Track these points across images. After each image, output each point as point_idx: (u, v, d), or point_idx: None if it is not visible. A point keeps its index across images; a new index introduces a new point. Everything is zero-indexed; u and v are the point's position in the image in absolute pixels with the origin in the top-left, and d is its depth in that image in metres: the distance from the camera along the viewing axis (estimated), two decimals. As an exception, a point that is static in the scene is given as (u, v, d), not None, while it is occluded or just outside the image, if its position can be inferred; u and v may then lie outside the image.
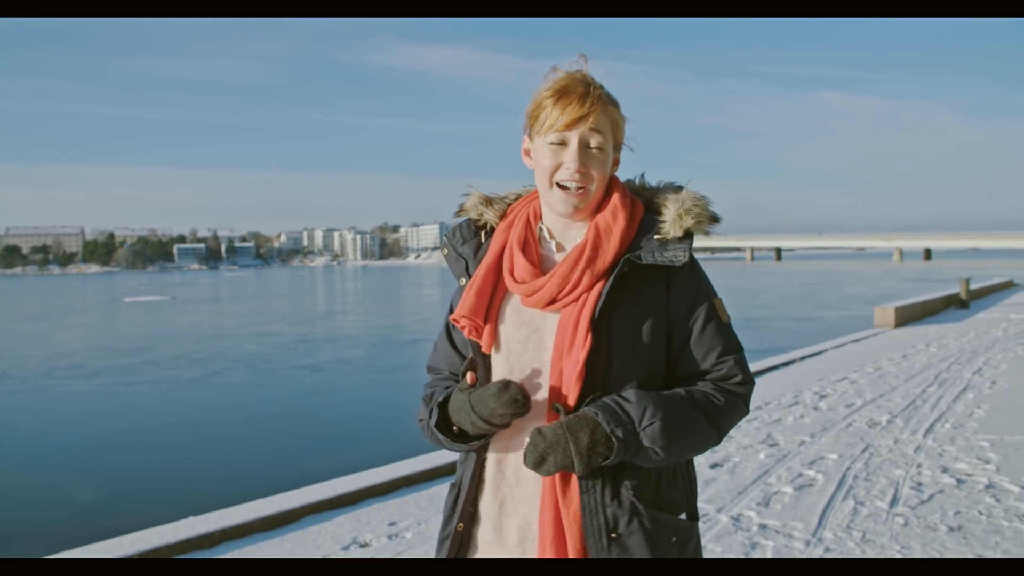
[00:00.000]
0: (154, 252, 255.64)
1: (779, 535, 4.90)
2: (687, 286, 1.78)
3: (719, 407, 1.73)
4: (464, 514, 1.83)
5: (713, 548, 4.72)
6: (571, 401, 1.69)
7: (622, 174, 1.92)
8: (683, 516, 1.78)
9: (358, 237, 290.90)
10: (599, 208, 1.82)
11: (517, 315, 1.81)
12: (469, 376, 1.78)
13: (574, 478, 1.69)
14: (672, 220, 1.78)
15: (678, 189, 1.85)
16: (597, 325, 1.70)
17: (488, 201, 1.97)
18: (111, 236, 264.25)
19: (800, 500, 5.58)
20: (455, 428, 1.79)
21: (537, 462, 1.64)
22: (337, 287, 77.91)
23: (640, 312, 1.74)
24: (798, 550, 4.66)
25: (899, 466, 6.39)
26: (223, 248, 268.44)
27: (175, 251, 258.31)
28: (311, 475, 7.13)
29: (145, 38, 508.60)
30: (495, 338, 1.83)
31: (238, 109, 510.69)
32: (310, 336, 27.35)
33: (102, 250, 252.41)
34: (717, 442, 1.76)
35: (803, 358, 13.27)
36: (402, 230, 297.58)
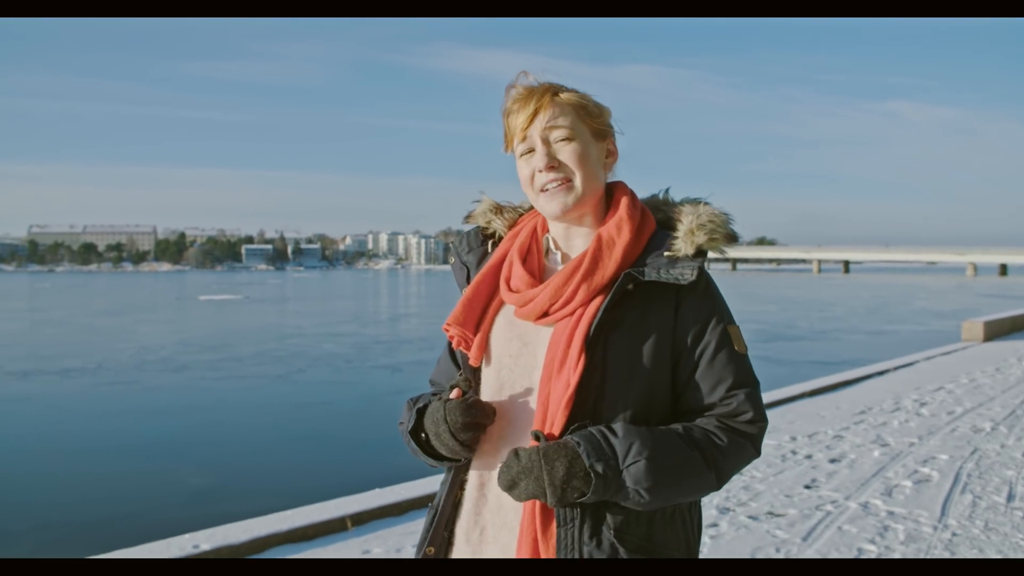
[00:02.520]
0: (223, 252, 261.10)
1: (907, 520, 5.26)
2: (699, 309, 1.62)
3: (720, 448, 1.56)
4: (436, 538, 1.71)
5: (848, 529, 5.10)
6: (556, 428, 1.53)
7: (645, 188, 1.80)
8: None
9: (422, 241, 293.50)
10: (605, 218, 1.71)
11: (509, 327, 1.70)
12: (455, 391, 1.66)
13: (555, 512, 1.55)
14: (684, 235, 1.63)
15: (704, 205, 1.69)
16: (591, 345, 1.56)
17: (499, 209, 1.87)
18: (182, 235, 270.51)
19: (920, 492, 5.90)
20: (424, 436, 1.67)
21: (509, 485, 1.50)
22: (403, 290, 78.79)
23: (643, 334, 1.59)
24: (927, 534, 5.02)
25: (1009, 467, 6.63)
26: (289, 249, 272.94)
27: (243, 251, 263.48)
28: (407, 469, 7.41)
29: (211, 42, 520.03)
30: (486, 351, 1.72)
31: (302, 112, 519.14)
32: (384, 337, 27.86)
33: (173, 249, 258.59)
34: (717, 486, 1.58)
35: (896, 368, 13.39)
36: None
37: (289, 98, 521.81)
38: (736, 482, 6.34)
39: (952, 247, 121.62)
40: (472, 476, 1.69)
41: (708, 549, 4.88)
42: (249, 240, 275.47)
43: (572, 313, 1.60)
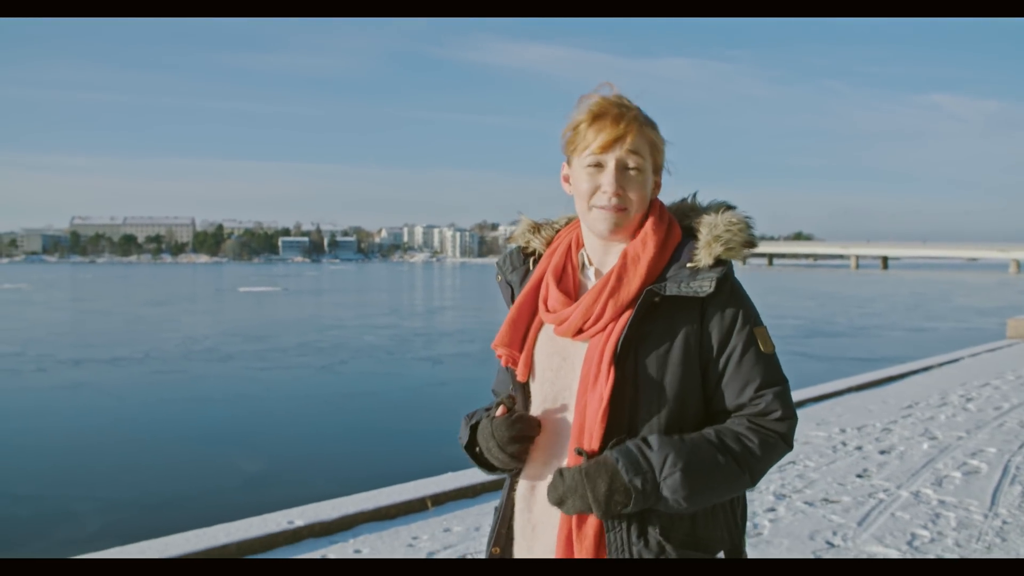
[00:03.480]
0: (260, 244, 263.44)
1: (958, 508, 5.49)
2: (724, 315, 1.70)
3: (751, 449, 1.65)
4: (500, 537, 1.86)
5: (901, 515, 5.35)
6: (594, 441, 1.64)
7: (687, 182, 1.89)
8: (721, 554, 1.71)
9: (457, 234, 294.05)
10: (635, 233, 1.78)
11: (551, 343, 1.80)
12: (501, 408, 1.77)
13: (592, 516, 1.66)
14: (703, 247, 1.72)
15: (726, 210, 1.77)
16: (621, 359, 1.66)
17: (536, 228, 1.96)
18: (220, 227, 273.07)
19: (970, 483, 6.12)
20: (478, 450, 1.82)
21: (557, 502, 1.64)
22: (439, 283, 79.14)
23: (670, 344, 1.68)
24: (978, 521, 5.23)
25: (1059, 461, 6.80)
26: (325, 242, 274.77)
27: (280, 243, 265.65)
28: (455, 460, 7.59)
29: (251, 34, 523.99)
30: (531, 366, 1.83)
31: (340, 105, 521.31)
32: (423, 330, 28.16)
33: (211, 241, 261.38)
34: (751, 485, 1.69)
35: (941, 364, 13.54)
36: (501, 228, 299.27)
37: (327, 90, 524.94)
38: (791, 471, 6.56)
39: (994, 243, 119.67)
40: (522, 481, 1.82)
41: (768, 532, 5.10)
42: (286, 232, 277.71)
43: (604, 329, 1.69)
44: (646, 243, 1.74)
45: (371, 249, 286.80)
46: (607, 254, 1.81)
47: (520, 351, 1.83)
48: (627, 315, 1.68)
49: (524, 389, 1.84)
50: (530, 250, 1.95)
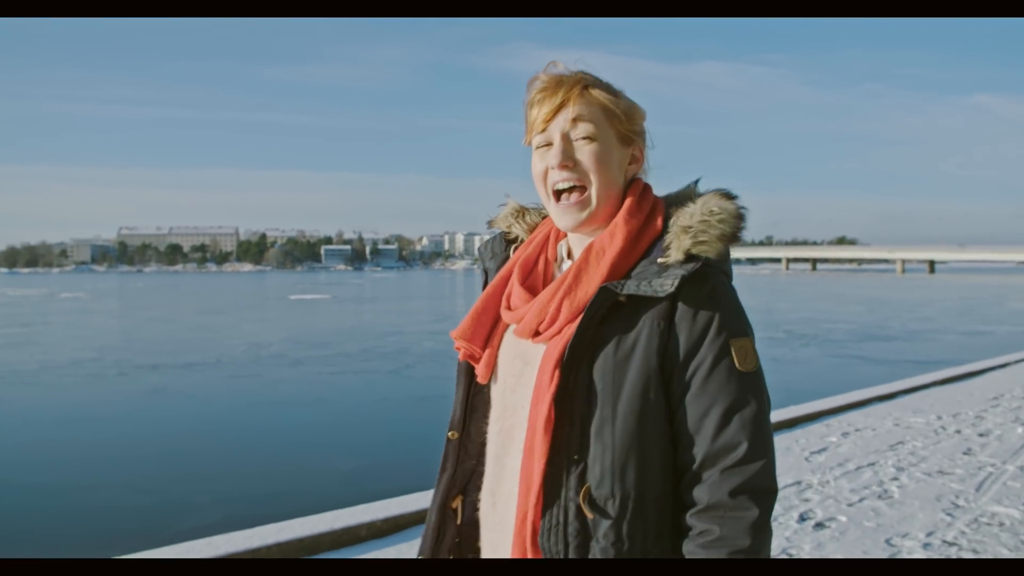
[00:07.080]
0: (303, 252, 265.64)
1: None
2: (694, 321, 1.42)
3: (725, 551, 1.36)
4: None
5: (1012, 484, 6.10)
6: (539, 456, 1.42)
7: (671, 184, 1.62)
8: None
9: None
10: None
11: (514, 345, 1.58)
12: None
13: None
14: (673, 239, 1.46)
15: (721, 198, 1.49)
16: (570, 366, 1.43)
17: (521, 212, 1.76)
18: (263, 236, 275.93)
19: None
20: None
21: None
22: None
23: (630, 352, 1.42)
24: None
25: None
26: (367, 250, 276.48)
27: (322, 252, 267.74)
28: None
29: (291, 47, 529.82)
30: (493, 368, 1.62)
31: (379, 115, 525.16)
32: (480, 335, 28.46)
33: (255, 250, 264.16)
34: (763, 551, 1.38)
35: (1017, 361, 14.25)
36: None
37: (366, 101, 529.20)
38: (902, 449, 7.31)
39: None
40: (485, 495, 1.63)
41: (898, 495, 5.85)
42: (328, 241, 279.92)
43: (560, 332, 1.48)
44: (614, 235, 1.50)
45: (412, 257, 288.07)
46: (584, 246, 1.58)
47: (483, 348, 1.62)
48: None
49: (482, 392, 1.66)
50: (512, 236, 1.76)
